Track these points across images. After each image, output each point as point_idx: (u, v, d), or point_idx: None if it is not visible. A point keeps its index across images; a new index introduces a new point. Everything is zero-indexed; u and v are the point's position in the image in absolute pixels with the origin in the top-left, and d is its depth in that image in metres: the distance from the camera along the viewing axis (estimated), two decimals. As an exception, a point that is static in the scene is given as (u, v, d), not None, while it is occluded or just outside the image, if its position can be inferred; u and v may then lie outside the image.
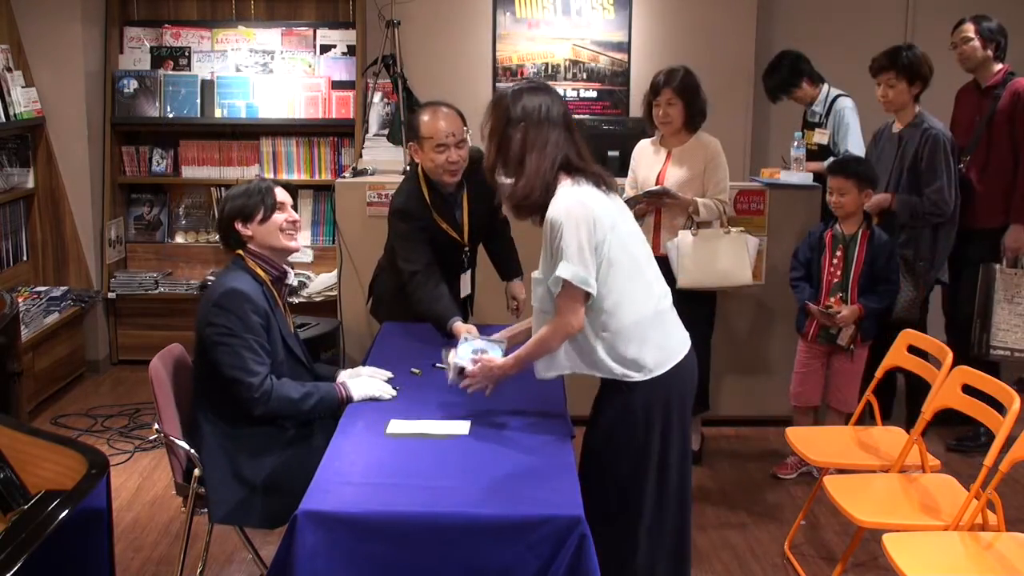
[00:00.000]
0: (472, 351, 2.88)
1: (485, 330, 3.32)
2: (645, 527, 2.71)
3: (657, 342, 2.68)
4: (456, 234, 3.68)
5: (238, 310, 2.91)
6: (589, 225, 2.55)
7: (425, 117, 3.52)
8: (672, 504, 2.76)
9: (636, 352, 2.64)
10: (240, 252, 3.08)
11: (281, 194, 3.09)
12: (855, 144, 4.80)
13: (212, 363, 2.92)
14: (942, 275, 4.58)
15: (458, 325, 3.38)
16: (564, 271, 2.53)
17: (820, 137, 4.90)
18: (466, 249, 3.75)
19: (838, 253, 4.06)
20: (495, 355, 2.85)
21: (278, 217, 3.06)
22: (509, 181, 2.71)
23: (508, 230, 3.94)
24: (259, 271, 3.05)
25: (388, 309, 3.86)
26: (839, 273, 4.06)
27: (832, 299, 4.05)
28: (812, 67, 5.00)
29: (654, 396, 2.66)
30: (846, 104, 4.89)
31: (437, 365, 3.25)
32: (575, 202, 2.58)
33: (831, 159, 4.65)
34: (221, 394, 2.94)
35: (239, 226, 3.04)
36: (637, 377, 2.65)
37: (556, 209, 2.58)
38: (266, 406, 2.90)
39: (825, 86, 4.99)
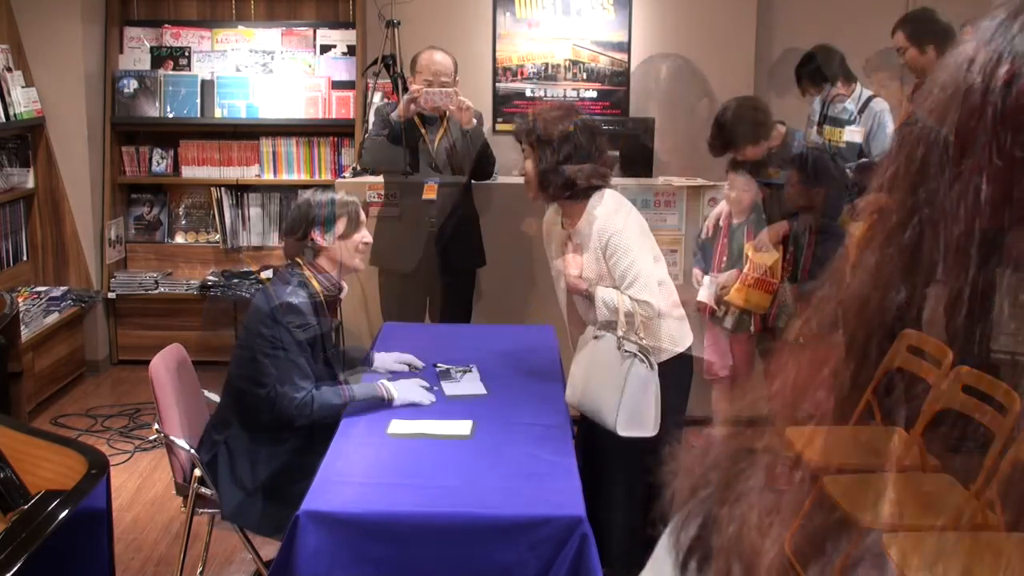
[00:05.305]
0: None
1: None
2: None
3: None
4: None
5: (291, 325, 2.86)
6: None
7: None
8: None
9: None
10: (299, 260, 3.02)
11: (361, 214, 3.08)
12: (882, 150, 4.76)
13: (255, 371, 2.87)
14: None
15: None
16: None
17: (852, 135, 4.82)
18: None
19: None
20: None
21: (358, 236, 3.03)
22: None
23: None
24: (315, 284, 2.98)
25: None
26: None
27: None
28: (847, 66, 4.94)
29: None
30: (884, 107, 4.83)
31: (437, 365, 3.27)
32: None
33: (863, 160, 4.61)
34: (255, 402, 2.88)
35: (316, 235, 2.97)
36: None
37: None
38: (309, 418, 2.85)
39: (857, 85, 4.92)
